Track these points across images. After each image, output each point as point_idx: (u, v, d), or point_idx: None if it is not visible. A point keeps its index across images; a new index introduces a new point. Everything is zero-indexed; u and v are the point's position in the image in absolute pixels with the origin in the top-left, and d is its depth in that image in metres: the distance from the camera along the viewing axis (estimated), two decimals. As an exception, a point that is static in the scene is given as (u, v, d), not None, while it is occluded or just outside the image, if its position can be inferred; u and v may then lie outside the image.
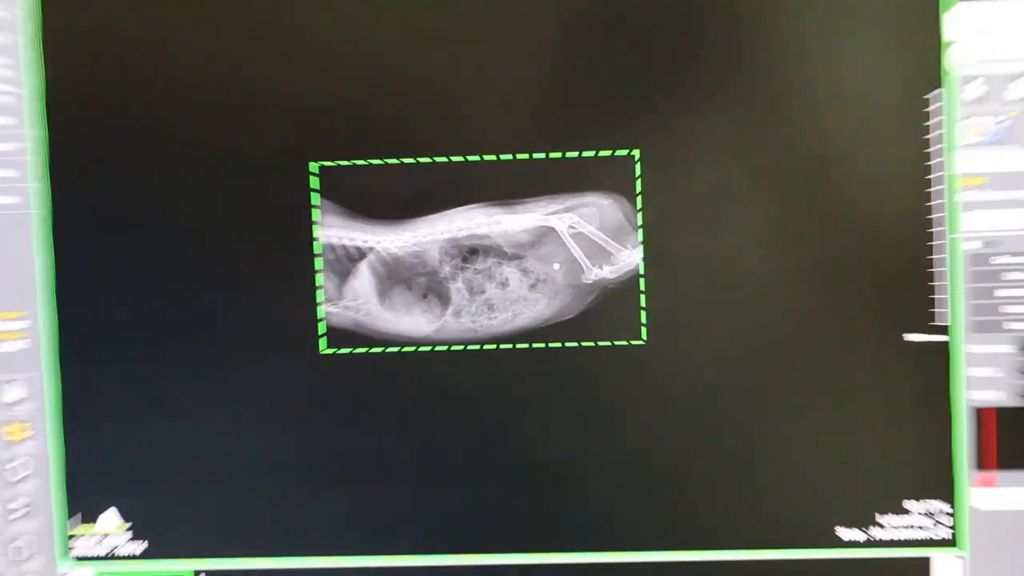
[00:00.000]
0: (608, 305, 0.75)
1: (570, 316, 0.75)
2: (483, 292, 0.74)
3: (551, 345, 0.75)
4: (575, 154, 0.74)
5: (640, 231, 0.74)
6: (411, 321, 0.75)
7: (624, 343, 0.75)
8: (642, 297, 0.75)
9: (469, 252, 0.75)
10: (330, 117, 0.76)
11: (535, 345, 0.75)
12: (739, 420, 0.76)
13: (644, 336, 0.75)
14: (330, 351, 0.76)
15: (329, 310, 0.76)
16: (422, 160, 0.75)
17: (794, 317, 0.75)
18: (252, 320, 0.76)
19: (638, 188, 0.74)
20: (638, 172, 0.74)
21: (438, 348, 0.76)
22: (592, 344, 0.75)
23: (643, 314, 0.75)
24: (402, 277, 0.75)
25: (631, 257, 0.75)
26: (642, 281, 0.75)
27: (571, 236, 0.74)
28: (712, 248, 0.75)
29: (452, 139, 0.75)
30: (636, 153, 0.74)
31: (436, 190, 0.75)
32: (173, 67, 0.75)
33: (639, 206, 0.74)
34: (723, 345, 0.76)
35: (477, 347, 0.76)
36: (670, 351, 0.76)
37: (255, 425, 0.77)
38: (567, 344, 0.75)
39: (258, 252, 0.76)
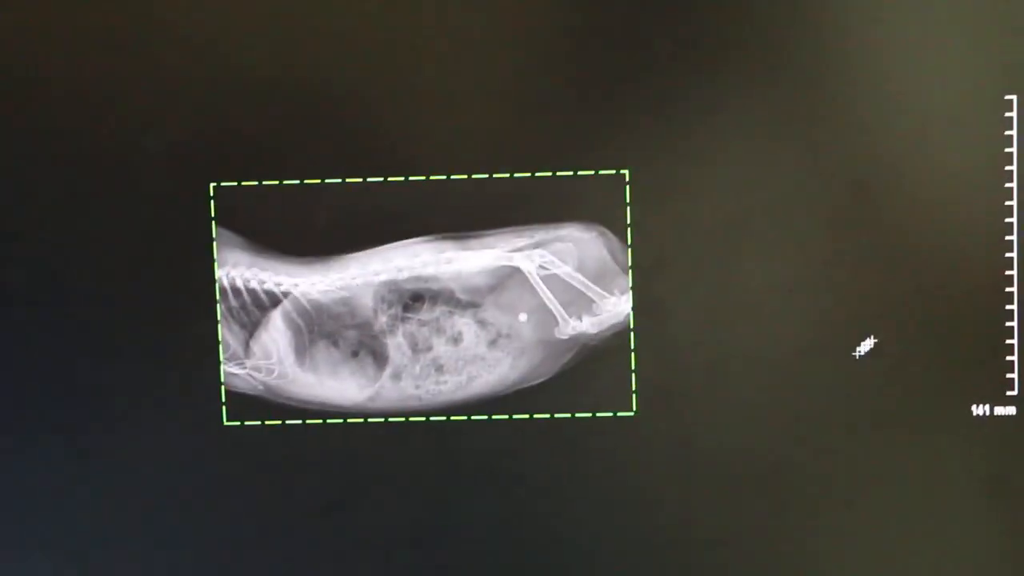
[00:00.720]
0: (589, 367, 0.65)
1: (541, 380, 0.65)
2: (429, 349, 0.65)
3: (516, 417, 0.66)
4: (547, 174, 0.64)
5: (630, 273, 0.64)
6: (337, 386, 0.66)
7: (608, 414, 0.66)
8: (632, 357, 0.65)
9: (412, 299, 0.65)
10: (234, 125, 0.65)
11: (495, 417, 0.66)
12: (752, 514, 0.66)
13: (634, 406, 0.65)
14: (233, 423, 0.67)
15: (232, 371, 0.66)
16: (352, 181, 0.65)
17: (826, 384, 0.65)
18: (130, 383, 0.67)
19: (628, 218, 0.64)
20: (627, 198, 0.64)
21: (372, 420, 0.66)
22: (568, 416, 0.66)
23: (633, 378, 0.65)
24: (326, 330, 0.65)
25: (618, 306, 0.65)
26: (632, 336, 0.65)
27: (542, 279, 0.64)
28: (722, 296, 0.64)
29: (392, 155, 0.65)
30: (625, 173, 0.64)
31: (370, 219, 0.65)
32: (32, 54, 0.65)
33: (629, 241, 0.64)
34: (734, 418, 0.65)
35: (422, 419, 0.66)
36: (667, 425, 0.66)
37: (135, 520, 0.68)
38: (536, 416, 0.66)
39: (140, 297, 0.66)
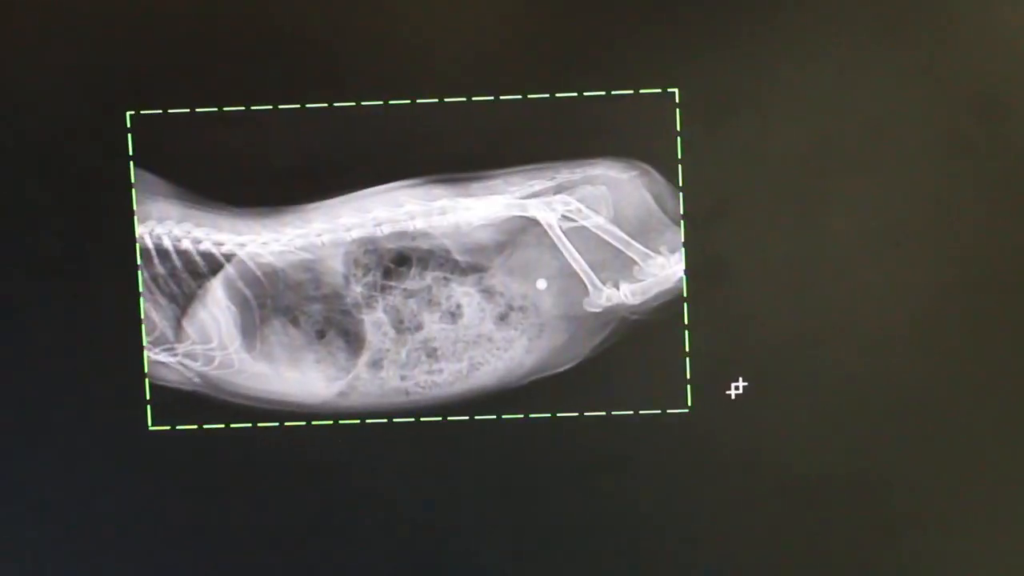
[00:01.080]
0: (629, 349, 0.58)
1: (566, 367, 0.58)
2: (419, 328, 0.58)
3: (533, 417, 0.58)
4: (571, 94, 0.57)
5: (682, 224, 0.57)
6: (298, 378, 0.58)
7: (655, 412, 0.58)
8: (685, 336, 0.57)
9: (395, 261, 0.57)
10: (157, 35, 0.57)
11: (506, 417, 0.58)
12: (841, 533, 0.58)
13: (689, 400, 0.58)
14: (161, 428, 0.59)
15: (159, 359, 0.58)
16: (314, 106, 0.57)
17: (948, 369, 0.57)
18: (29, 378, 0.58)
19: (678, 151, 0.57)
20: (678, 124, 0.57)
21: (344, 422, 0.58)
22: (601, 415, 0.58)
23: (687, 364, 0.57)
24: (283, 304, 0.58)
25: (666, 268, 0.57)
26: (685, 309, 0.57)
27: (565, 233, 0.57)
28: (804, 252, 0.57)
29: (367, 72, 0.57)
30: (675, 92, 0.57)
31: (340, 156, 0.57)
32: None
33: (680, 182, 0.57)
34: (822, 417, 0.57)
35: (409, 420, 0.58)
36: (731, 426, 0.58)
37: (44, 547, 0.60)
38: (560, 415, 0.58)
39: (36, 262, 0.58)
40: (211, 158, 0.57)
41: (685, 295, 0.57)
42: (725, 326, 0.57)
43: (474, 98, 0.56)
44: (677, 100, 0.56)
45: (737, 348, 0.57)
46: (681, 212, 0.56)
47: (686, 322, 0.57)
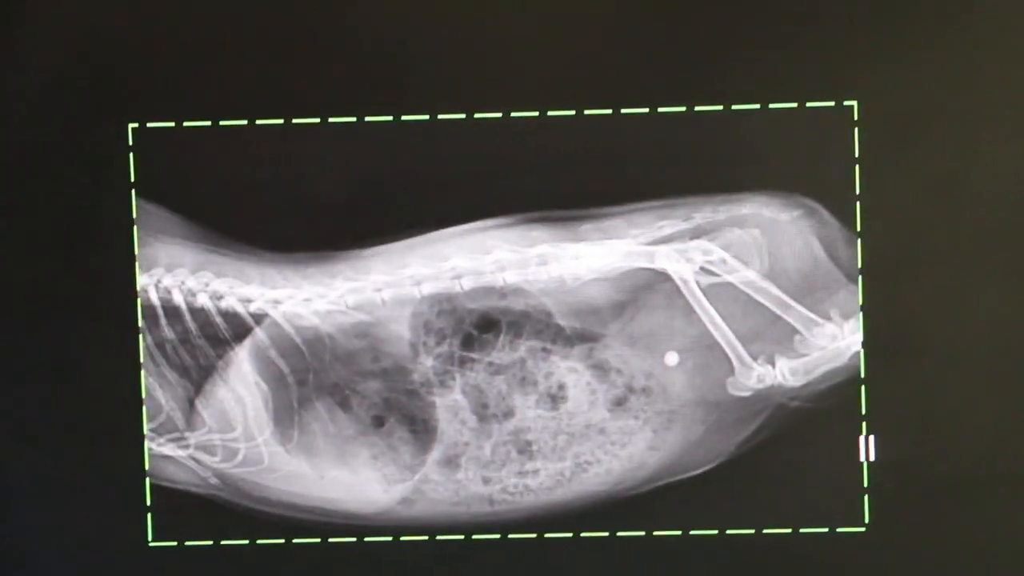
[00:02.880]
0: (787, 447, 0.48)
1: (703, 469, 0.49)
2: (509, 415, 0.47)
3: (660, 535, 0.48)
4: (715, 108, 0.48)
5: (859, 281, 0.48)
6: (348, 479, 0.49)
7: (822, 529, 0.48)
8: (863, 428, 0.48)
9: (479, 326, 0.48)
10: (163, 36, 0.48)
11: (623, 535, 0.49)
12: None
13: (866, 515, 0.48)
14: (166, 543, 0.49)
15: (164, 452, 0.48)
16: (374, 119, 0.48)
17: None
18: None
19: (856, 183, 0.48)
20: (856, 147, 0.48)
21: (408, 538, 0.49)
22: (751, 532, 0.48)
23: (865, 469, 0.48)
24: (329, 381, 0.48)
25: (838, 340, 0.48)
26: (863, 393, 0.48)
27: (705, 291, 0.47)
28: (1018, 318, 0.47)
29: (446, 75, 0.47)
30: (853, 107, 0.48)
31: (406, 186, 0.48)
32: None
33: (858, 225, 0.48)
34: None
35: (495, 537, 0.49)
36: (919, 548, 0.48)
37: None
38: (695, 532, 0.48)
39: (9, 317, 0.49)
40: (237, 185, 0.48)
41: (863, 375, 0.47)
42: (915, 416, 0.47)
43: (586, 111, 0.46)
44: (855, 116, 0.47)
45: (930, 446, 0.46)
46: (859, 265, 0.47)
47: (863, 412, 0.46)
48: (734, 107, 0.47)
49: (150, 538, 0.48)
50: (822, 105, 0.47)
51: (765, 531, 0.47)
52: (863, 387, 0.47)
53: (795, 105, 0.47)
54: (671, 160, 0.47)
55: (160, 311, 0.47)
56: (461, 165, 0.47)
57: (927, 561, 0.48)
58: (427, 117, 0.47)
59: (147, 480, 0.48)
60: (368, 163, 0.47)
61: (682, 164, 0.47)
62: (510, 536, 0.47)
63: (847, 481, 0.47)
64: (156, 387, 0.47)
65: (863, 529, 0.47)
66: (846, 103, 0.47)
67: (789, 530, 0.47)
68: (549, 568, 0.47)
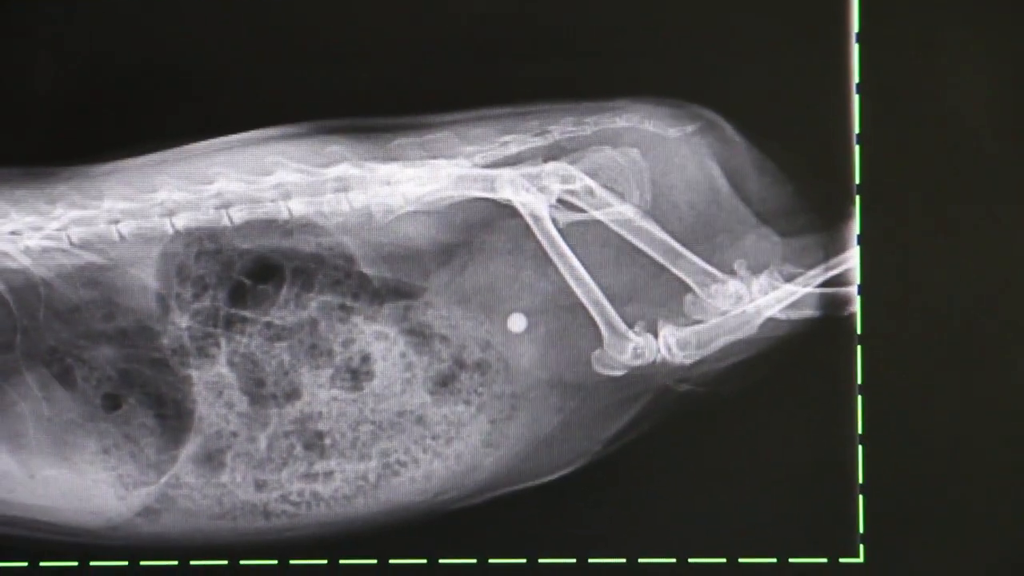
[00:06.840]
0: (672, 444, 0.37)
1: (561, 473, 0.38)
2: (293, 396, 0.36)
3: (497, 563, 0.37)
4: None
5: (774, 221, 0.37)
6: (69, 480, 0.37)
7: (719, 560, 0.37)
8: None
9: (253, 273, 0.37)
10: None
11: (445, 562, 0.37)
12: None
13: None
14: None
15: None
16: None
17: None
18: None
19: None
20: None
21: (148, 563, 0.37)
22: (621, 562, 0.37)
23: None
24: (44, 345, 0.36)
25: (745, 300, 0.36)
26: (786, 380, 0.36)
27: (564, 232, 0.37)
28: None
29: None
30: None
31: (151, 84, 0.36)
32: None
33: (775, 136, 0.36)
34: None
35: (271, 563, 0.37)
36: None
37: None
38: (546, 561, 0.37)
39: None
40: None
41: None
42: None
43: (405, -16, 0.35)
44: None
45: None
46: (771, 199, 0.35)
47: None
48: (607, -17, 0.35)
49: None
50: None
51: (641, 560, 0.35)
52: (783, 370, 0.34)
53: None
54: (519, 50, 0.35)
55: None
56: (227, 50, 0.35)
57: None
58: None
59: None
60: (92, 41, 0.35)
61: (536, 56, 0.35)
62: (291, 562, 0.36)
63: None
64: None
65: (774, 560, 0.35)
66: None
67: (674, 560, 0.35)
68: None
